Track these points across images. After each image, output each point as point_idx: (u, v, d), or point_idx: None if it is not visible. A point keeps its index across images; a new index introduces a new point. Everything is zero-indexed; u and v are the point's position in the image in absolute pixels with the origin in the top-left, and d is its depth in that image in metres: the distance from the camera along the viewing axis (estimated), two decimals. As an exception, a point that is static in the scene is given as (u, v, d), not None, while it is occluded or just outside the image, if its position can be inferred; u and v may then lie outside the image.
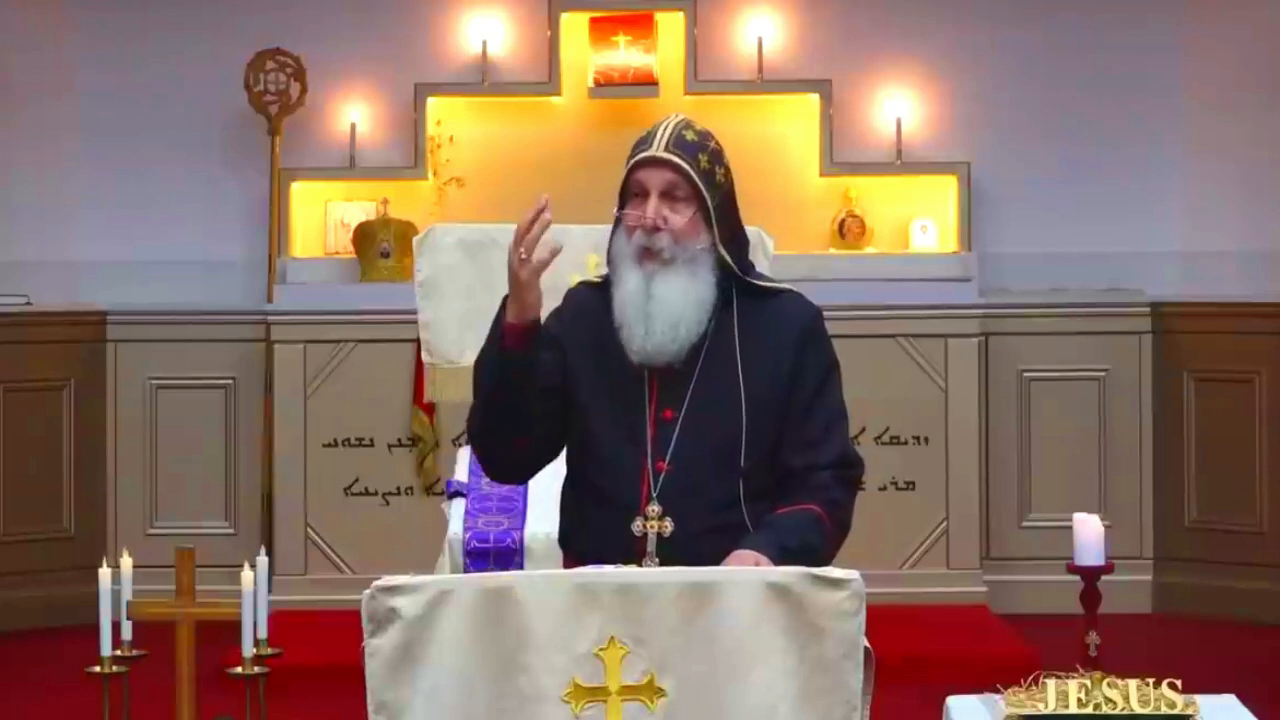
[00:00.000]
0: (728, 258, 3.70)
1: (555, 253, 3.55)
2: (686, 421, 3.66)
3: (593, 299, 3.76)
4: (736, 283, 3.74)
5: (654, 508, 3.62)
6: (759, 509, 3.67)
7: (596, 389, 3.69)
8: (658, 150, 3.68)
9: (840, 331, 7.55)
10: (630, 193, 3.70)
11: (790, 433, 3.72)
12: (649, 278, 3.65)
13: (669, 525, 3.60)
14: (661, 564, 3.53)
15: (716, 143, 3.75)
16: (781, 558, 3.44)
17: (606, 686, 3.03)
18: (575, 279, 3.92)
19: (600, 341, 3.70)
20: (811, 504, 3.67)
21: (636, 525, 3.62)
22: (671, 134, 3.70)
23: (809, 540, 3.59)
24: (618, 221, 3.73)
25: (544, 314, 3.68)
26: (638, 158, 3.69)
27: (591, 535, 3.66)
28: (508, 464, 3.80)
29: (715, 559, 3.48)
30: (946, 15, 8.15)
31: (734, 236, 3.75)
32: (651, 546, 3.58)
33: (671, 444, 3.65)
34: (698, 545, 3.55)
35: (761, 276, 3.82)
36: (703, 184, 3.68)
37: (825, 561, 3.43)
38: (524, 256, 3.54)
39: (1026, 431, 7.88)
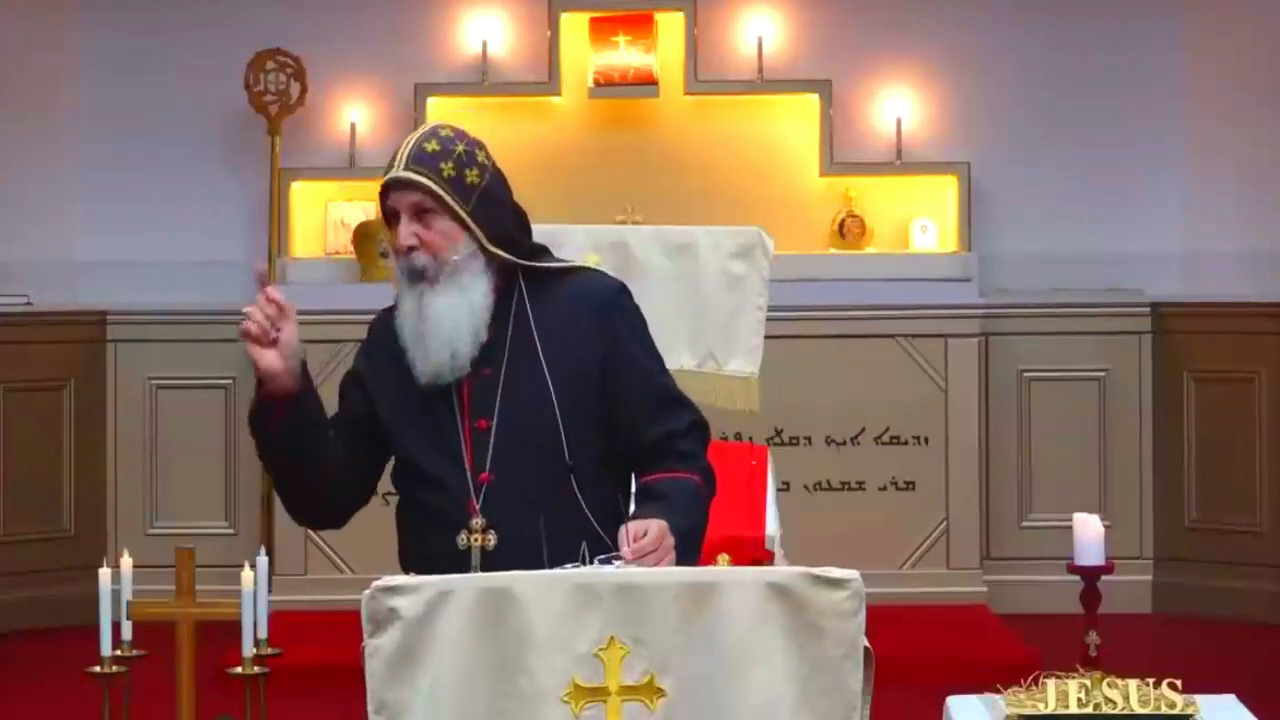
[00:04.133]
0: (500, 253, 3.65)
1: (291, 326, 3.65)
2: (501, 428, 3.63)
3: (389, 325, 3.76)
4: (523, 272, 3.69)
5: (477, 521, 3.58)
6: (600, 495, 3.64)
7: (408, 411, 3.68)
8: (398, 171, 3.65)
9: (840, 331, 7.69)
10: (388, 218, 3.68)
11: (636, 409, 3.67)
12: (419, 298, 3.64)
13: (492, 538, 3.57)
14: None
15: (467, 141, 3.67)
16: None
17: (606, 686, 3.03)
18: None
19: (403, 364, 3.69)
20: (689, 473, 3.64)
21: (460, 540, 3.58)
22: (412, 150, 3.64)
23: (696, 520, 3.58)
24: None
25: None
26: (385, 182, 3.66)
27: (422, 555, 3.61)
28: (310, 512, 3.83)
29: (557, 563, 3.44)
30: (946, 15, 8.15)
31: (506, 229, 3.68)
32: (475, 560, 3.55)
33: (489, 453, 3.62)
34: (531, 553, 3.52)
35: (552, 259, 3.75)
36: (448, 194, 3.61)
37: (701, 535, 3.55)
38: (260, 342, 3.61)
39: (1026, 431, 7.88)
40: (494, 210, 3.66)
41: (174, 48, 8.12)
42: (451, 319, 3.63)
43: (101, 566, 4.37)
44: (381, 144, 8.14)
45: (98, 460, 7.86)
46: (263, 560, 4.53)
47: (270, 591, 4.72)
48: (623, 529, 3.44)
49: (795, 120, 8.10)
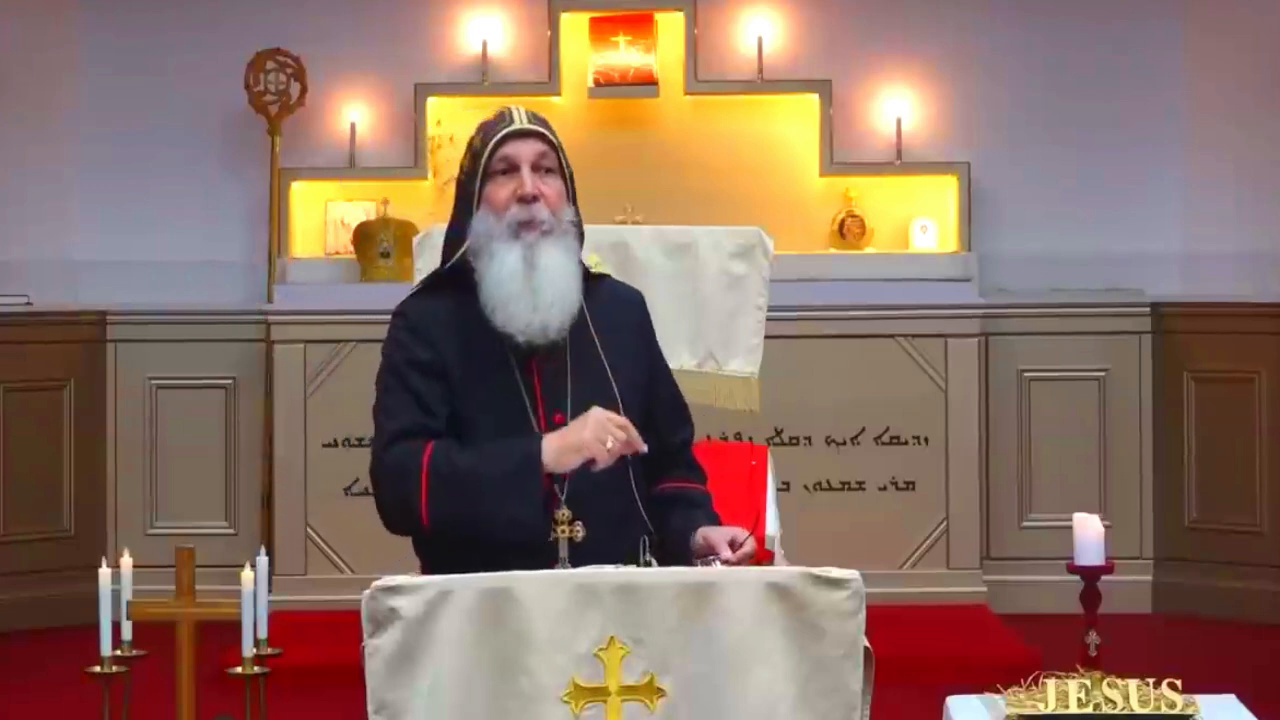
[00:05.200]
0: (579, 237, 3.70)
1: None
2: None
3: (437, 309, 3.69)
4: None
5: (564, 512, 3.56)
6: (641, 493, 3.73)
7: (481, 402, 3.64)
8: (522, 123, 3.66)
9: (840, 331, 7.69)
10: (492, 171, 3.65)
11: (664, 413, 3.81)
12: (530, 248, 3.60)
13: (580, 529, 3.56)
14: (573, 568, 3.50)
15: None
16: None
17: (606, 686, 3.03)
18: None
19: (468, 351, 3.65)
20: (701, 486, 3.82)
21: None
22: (526, 112, 3.70)
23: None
24: (463, 208, 3.67)
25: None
26: (503, 133, 3.64)
27: (496, 547, 3.51)
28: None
29: (622, 554, 3.50)
30: (946, 15, 8.15)
31: (579, 220, 3.75)
32: (564, 552, 3.54)
33: None
34: (605, 544, 3.55)
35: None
36: (563, 155, 3.70)
37: None
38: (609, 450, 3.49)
39: (1026, 431, 7.88)
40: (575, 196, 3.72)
41: (174, 48, 8.12)
42: (563, 275, 3.61)
43: (101, 566, 4.37)
44: (382, 144, 8.15)
45: (98, 460, 7.86)
46: (263, 560, 4.53)
47: (270, 591, 4.72)
48: (712, 533, 3.55)
49: (795, 120, 8.10)
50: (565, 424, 3.61)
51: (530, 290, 3.58)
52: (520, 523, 3.50)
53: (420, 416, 3.62)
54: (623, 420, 3.52)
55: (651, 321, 3.86)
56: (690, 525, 3.71)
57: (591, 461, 3.53)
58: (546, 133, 3.68)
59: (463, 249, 3.68)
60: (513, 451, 3.53)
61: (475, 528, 3.51)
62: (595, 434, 3.49)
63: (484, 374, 3.64)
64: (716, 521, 3.75)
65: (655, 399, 3.81)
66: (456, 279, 3.70)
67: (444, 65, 8.17)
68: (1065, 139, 8.12)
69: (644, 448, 3.53)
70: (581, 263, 3.73)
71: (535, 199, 3.61)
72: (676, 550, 3.67)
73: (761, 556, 4.87)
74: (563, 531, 3.55)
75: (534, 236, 3.60)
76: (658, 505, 3.77)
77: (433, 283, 3.78)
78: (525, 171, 3.63)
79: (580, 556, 3.49)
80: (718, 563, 3.49)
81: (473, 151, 3.70)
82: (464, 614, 3.02)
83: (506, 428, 3.61)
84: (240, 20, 8.09)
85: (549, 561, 3.49)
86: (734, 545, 3.58)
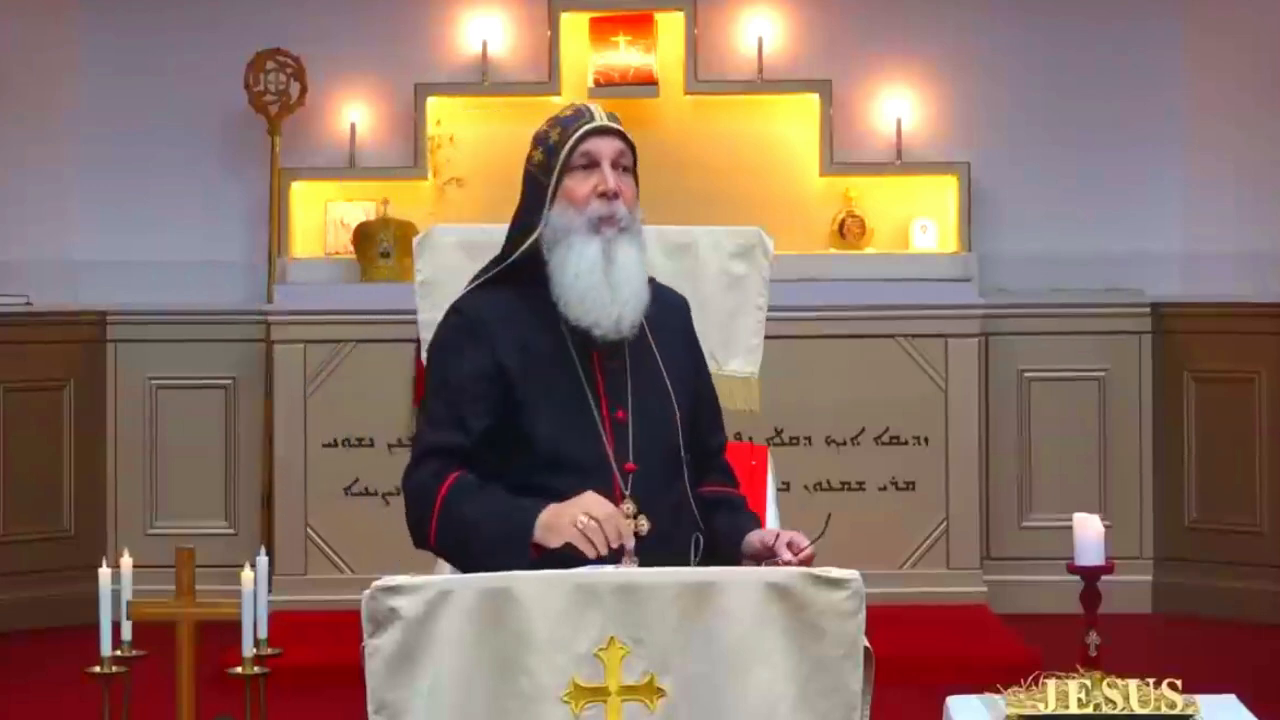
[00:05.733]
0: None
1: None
2: (636, 419, 3.66)
3: (497, 304, 3.70)
4: None
5: (627, 506, 3.59)
6: (690, 490, 3.76)
7: (543, 400, 3.63)
8: (603, 120, 3.69)
9: (840, 331, 7.69)
10: (572, 166, 3.66)
11: (705, 415, 3.86)
12: (609, 243, 3.62)
13: (645, 524, 3.59)
14: (640, 563, 3.51)
15: None
16: None
17: (606, 686, 3.03)
18: None
19: (530, 347, 3.65)
20: (737, 490, 3.89)
21: None
22: (604, 110, 3.73)
23: None
24: (534, 201, 3.69)
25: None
26: (586, 129, 3.66)
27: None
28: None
29: (683, 552, 3.57)
30: (946, 15, 8.15)
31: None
32: (630, 545, 3.54)
33: (630, 443, 3.64)
34: (667, 537, 3.59)
35: None
36: (636, 157, 3.74)
37: None
38: (610, 546, 3.45)
39: (1026, 431, 7.88)
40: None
41: (174, 48, 8.12)
42: (637, 273, 3.65)
43: (101, 566, 4.37)
44: (382, 144, 8.14)
45: (98, 460, 7.86)
46: (263, 560, 4.53)
47: (270, 591, 4.72)
48: (768, 536, 3.62)
49: (795, 120, 8.10)
50: (626, 420, 3.64)
51: (609, 285, 3.60)
52: (486, 550, 3.51)
53: (454, 435, 3.62)
54: (606, 512, 3.46)
55: (694, 327, 3.91)
56: (736, 528, 3.74)
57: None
58: (625, 132, 3.71)
59: (531, 239, 3.68)
60: (511, 517, 3.52)
61: (471, 570, 3.50)
62: (571, 521, 3.45)
63: (548, 369, 3.64)
64: (757, 524, 3.78)
65: (700, 401, 3.84)
66: (516, 273, 3.71)
67: (444, 65, 8.17)
68: (1065, 139, 8.11)
69: (626, 543, 3.48)
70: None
71: (616, 195, 3.63)
72: (723, 552, 3.69)
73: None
74: (629, 525, 3.57)
75: (613, 232, 3.62)
76: (700, 508, 3.78)
77: (494, 275, 3.76)
78: (606, 168, 3.66)
79: (647, 553, 3.53)
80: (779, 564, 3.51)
81: (548, 145, 3.70)
82: (464, 614, 3.02)
83: (572, 423, 3.62)
84: (240, 20, 8.09)
85: (616, 557, 3.51)
86: (794, 548, 3.59)
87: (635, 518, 3.58)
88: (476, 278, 3.81)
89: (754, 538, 3.68)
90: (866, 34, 8.15)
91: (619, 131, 3.70)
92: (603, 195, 3.64)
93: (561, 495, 3.54)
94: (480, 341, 3.64)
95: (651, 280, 3.81)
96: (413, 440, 3.72)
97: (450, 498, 3.57)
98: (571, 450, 3.61)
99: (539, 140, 3.74)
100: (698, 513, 3.74)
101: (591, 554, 3.40)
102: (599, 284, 3.60)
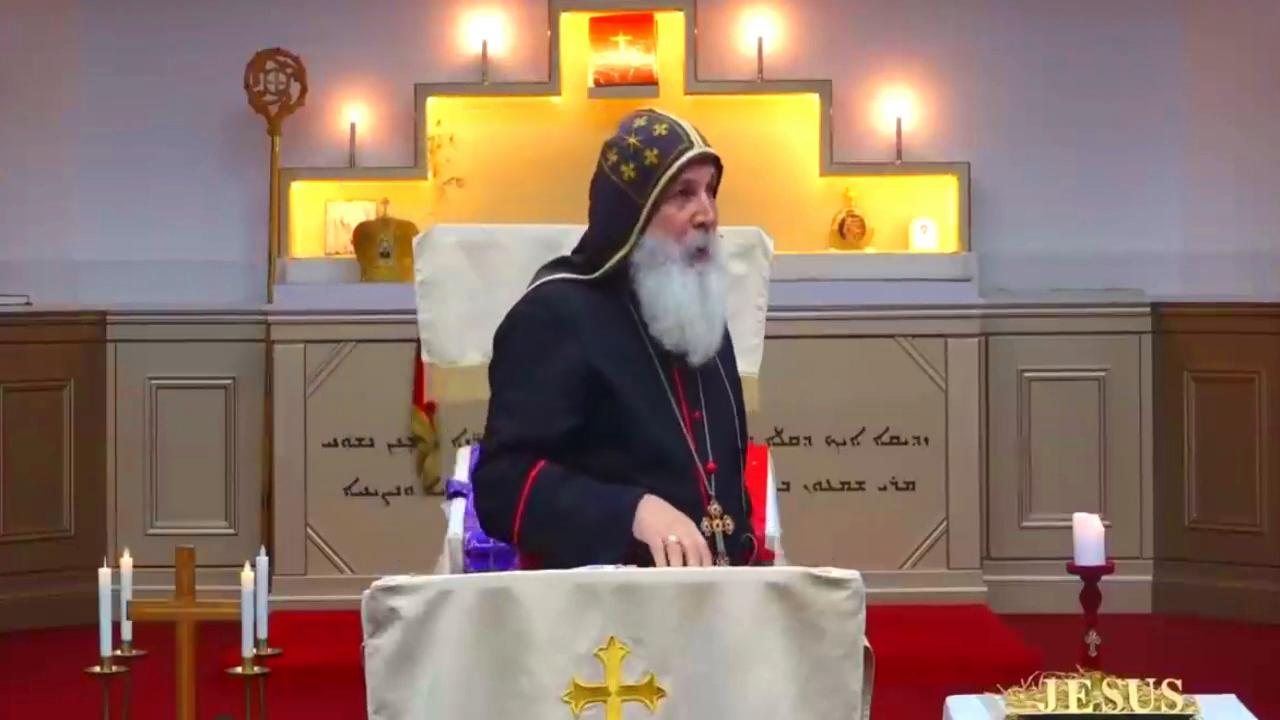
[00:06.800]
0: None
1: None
2: (710, 420, 3.72)
3: (584, 301, 3.69)
4: None
5: (715, 507, 3.65)
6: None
7: (641, 401, 3.65)
8: (703, 146, 3.68)
9: (840, 331, 7.69)
10: (671, 192, 3.65)
11: (741, 412, 3.90)
12: (701, 276, 3.66)
13: (730, 523, 3.65)
14: (730, 562, 3.57)
15: None
16: None
17: (606, 686, 3.03)
18: None
19: (617, 347, 3.66)
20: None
21: (704, 526, 3.61)
22: (695, 130, 3.71)
23: None
24: (624, 217, 3.67)
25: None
26: (690, 155, 3.65)
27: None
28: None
29: (744, 550, 3.66)
30: (946, 15, 8.15)
31: None
32: (721, 546, 3.61)
33: (708, 444, 3.69)
34: (740, 542, 3.67)
35: None
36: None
37: None
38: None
39: (1026, 431, 7.88)
40: None
41: (174, 48, 8.12)
42: (722, 298, 3.72)
43: (101, 566, 4.37)
44: (381, 144, 8.14)
45: (98, 460, 7.86)
46: (263, 560, 4.53)
47: (270, 591, 4.72)
48: None
49: (795, 120, 8.10)
50: (702, 421, 3.70)
51: (705, 316, 3.66)
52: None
53: (536, 428, 3.60)
54: (696, 544, 3.50)
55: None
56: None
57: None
58: (718, 155, 3.72)
59: (620, 254, 3.66)
60: (614, 499, 3.55)
61: (558, 560, 3.47)
62: (663, 531, 3.49)
63: (637, 371, 3.67)
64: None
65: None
66: (600, 277, 3.71)
67: (444, 65, 8.17)
68: (1065, 139, 8.11)
69: (705, 565, 3.49)
70: None
71: (714, 225, 3.68)
72: None
73: (762, 556, 4.88)
74: (716, 525, 3.63)
75: (704, 265, 3.66)
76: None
77: (572, 278, 3.74)
78: (704, 197, 3.68)
79: (730, 553, 3.61)
80: None
81: (642, 164, 3.65)
82: (464, 614, 3.02)
83: (663, 423, 3.65)
84: (240, 20, 8.09)
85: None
86: None
87: (721, 517, 3.65)
88: (545, 271, 3.79)
89: None
90: (866, 34, 8.15)
91: (715, 157, 3.71)
92: (700, 225, 3.66)
93: (661, 494, 3.57)
94: (569, 338, 3.62)
95: None
96: (487, 431, 3.67)
97: (540, 483, 3.56)
98: (667, 449, 3.65)
99: (629, 155, 3.67)
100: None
101: (663, 567, 3.42)
102: (697, 317, 3.65)
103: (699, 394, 3.71)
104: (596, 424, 3.61)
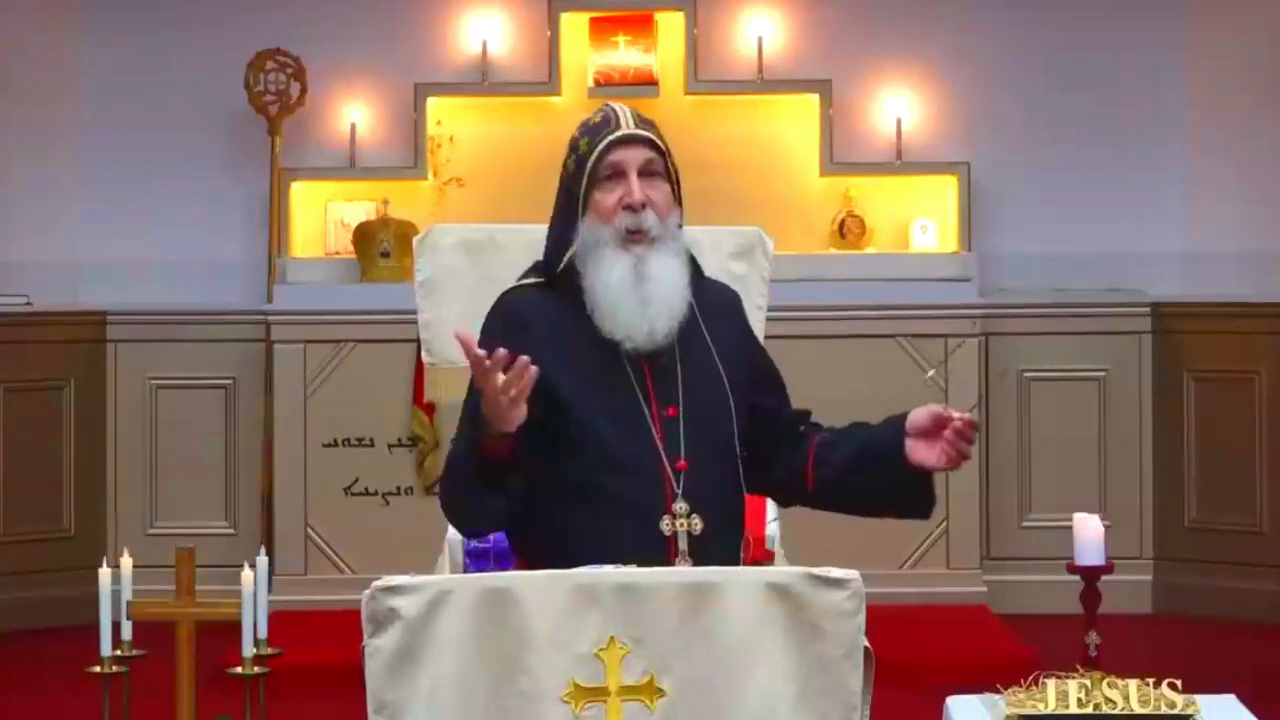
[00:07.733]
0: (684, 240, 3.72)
1: (533, 376, 3.41)
2: (688, 416, 3.65)
3: (540, 305, 3.68)
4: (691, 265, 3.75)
5: (681, 505, 3.59)
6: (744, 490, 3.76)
7: (592, 399, 3.61)
8: (630, 128, 3.64)
9: (840, 331, 7.68)
10: (599, 177, 3.63)
11: (773, 394, 3.84)
12: (639, 259, 3.61)
13: (698, 523, 3.59)
14: (695, 563, 3.52)
15: None
16: None
17: (606, 687, 3.03)
18: None
19: (575, 347, 3.63)
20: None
21: (665, 525, 3.59)
22: (632, 113, 3.68)
23: None
24: (569, 212, 3.66)
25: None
26: (610, 138, 3.62)
27: (609, 542, 3.52)
28: (488, 526, 3.76)
29: (736, 548, 3.62)
30: (946, 15, 8.15)
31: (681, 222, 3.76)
32: (683, 545, 3.56)
33: (682, 441, 3.63)
34: (720, 538, 3.61)
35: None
36: (670, 160, 3.69)
37: None
38: (511, 396, 3.38)
39: (1026, 431, 7.88)
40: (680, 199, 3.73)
41: (174, 48, 8.12)
42: (670, 281, 3.62)
43: (101, 566, 4.37)
44: (382, 144, 8.14)
45: (98, 460, 7.86)
46: (263, 560, 4.53)
47: (270, 591, 4.72)
48: (924, 411, 3.60)
49: (795, 120, 8.10)
50: (677, 417, 3.63)
51: (639, 299, 3.59)
52: (458, 465, 3.54)
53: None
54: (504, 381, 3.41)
55: (746, 317, 3.91)
56: (884, 428, 3.69)
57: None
58: (654, 137, 3.66)
59: (568, 254, 3.66)
60: (466, 433, 3.56)
61: (450, 485, 3.56)
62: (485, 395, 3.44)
63: (594, 368, 3.63)
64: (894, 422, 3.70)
65: (765, 389, 3.81)
66: (559, 278, 3.69)
67: (444, 65, 8.17)
68: (1065, 139, 8.11)
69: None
70: (693, 260, 3.74)
71: (643, 207, 3.61)
72: (885, 458, 3.66)
73: (762, 556, 4.89)
74: (680, 525, 3.58)
75: (642, 248, 3.61)
76: (830, 449, 3.75)
77: (532, 282, 3.75)
78: (633, 178, 3.62)
79: (699, 554, 3.54)
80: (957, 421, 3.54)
81: (578, 155, 3.66)
82: (464, 614, 3.02)
83: (621, 422, 3.61)
84: (240, 20, 8.09)
85: (669, 557, 3.53)
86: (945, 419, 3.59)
87: (688, 517, 3.59)
88: (520, 281, 3.79)
89: (919, 414, 3.62)
90: (866, 34, 8.15)
91: (646, 139, 3.65)
92: (628, 207, 3.61)
93: (614, 495, 3.57)
94: (515, 345, 3.56)
95: (702, 276, 3.81)
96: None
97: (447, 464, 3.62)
98: (622, 450, 3.60)
99: (571, 147, 3.69)
100: (816, 469, 3.73)
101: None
102: (628, 298, 3.59)
103: (675, 388, 3.65)
104: (552, 430, 3.58)
